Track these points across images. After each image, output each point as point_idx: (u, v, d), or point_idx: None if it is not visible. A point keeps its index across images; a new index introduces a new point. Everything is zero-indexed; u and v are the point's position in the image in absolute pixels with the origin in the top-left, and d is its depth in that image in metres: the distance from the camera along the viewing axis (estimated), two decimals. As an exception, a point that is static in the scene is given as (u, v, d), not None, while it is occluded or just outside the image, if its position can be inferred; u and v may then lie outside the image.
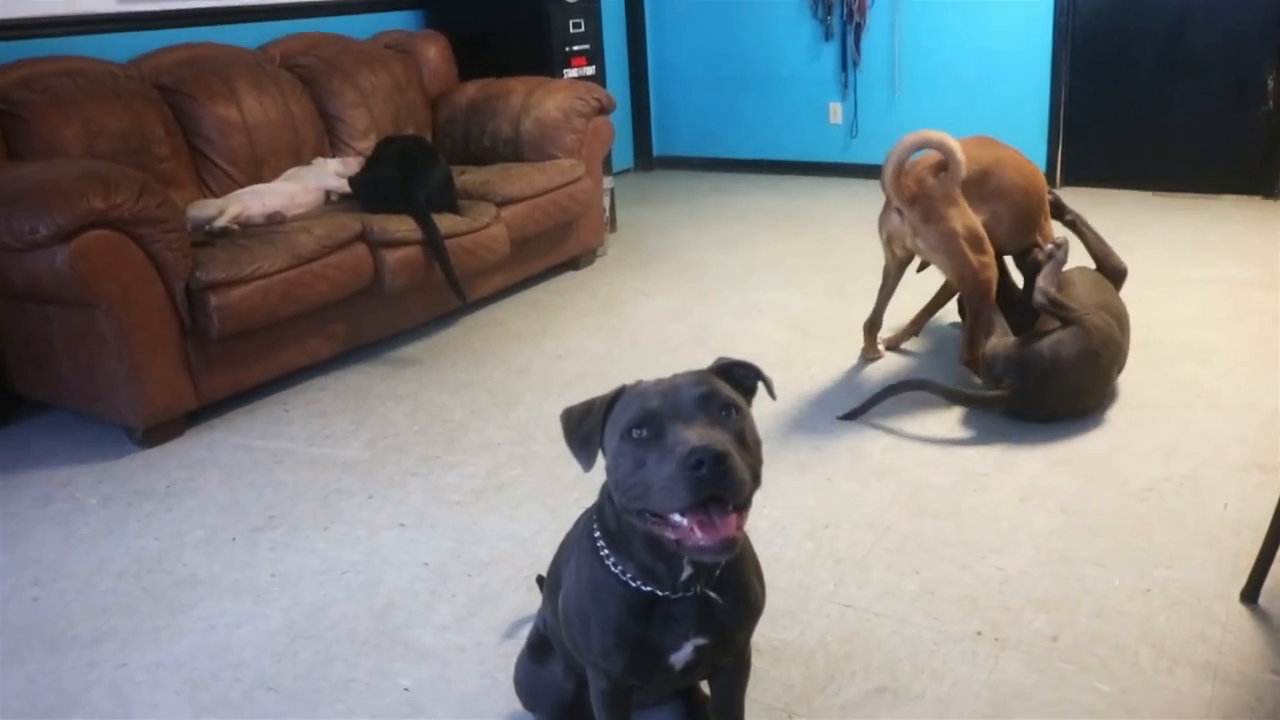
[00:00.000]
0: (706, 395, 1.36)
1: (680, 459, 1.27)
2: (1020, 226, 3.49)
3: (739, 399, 1.41)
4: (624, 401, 1.42)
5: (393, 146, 4.22)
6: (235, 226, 3.74)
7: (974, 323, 3.37)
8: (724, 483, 1.27)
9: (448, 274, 3.98)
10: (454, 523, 2.77)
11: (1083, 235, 3.64)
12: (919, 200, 3.26)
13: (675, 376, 1.43)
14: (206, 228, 3.71)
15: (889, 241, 3.50)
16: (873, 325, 3.72)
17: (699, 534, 1.31)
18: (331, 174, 4.30)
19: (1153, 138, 5.91)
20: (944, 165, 3.22)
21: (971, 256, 3.28)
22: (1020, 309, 3.35)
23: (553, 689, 1.83)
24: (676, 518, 1.32)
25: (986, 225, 3.35)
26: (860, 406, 3.21)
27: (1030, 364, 3.04)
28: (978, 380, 3.36)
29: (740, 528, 1.34)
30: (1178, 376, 3.41)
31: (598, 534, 1.53)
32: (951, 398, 3.19)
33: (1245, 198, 5.70)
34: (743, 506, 1.33)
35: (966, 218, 3.28)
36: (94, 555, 2.71)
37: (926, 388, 3.21)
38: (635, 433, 1.34)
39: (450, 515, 2.81)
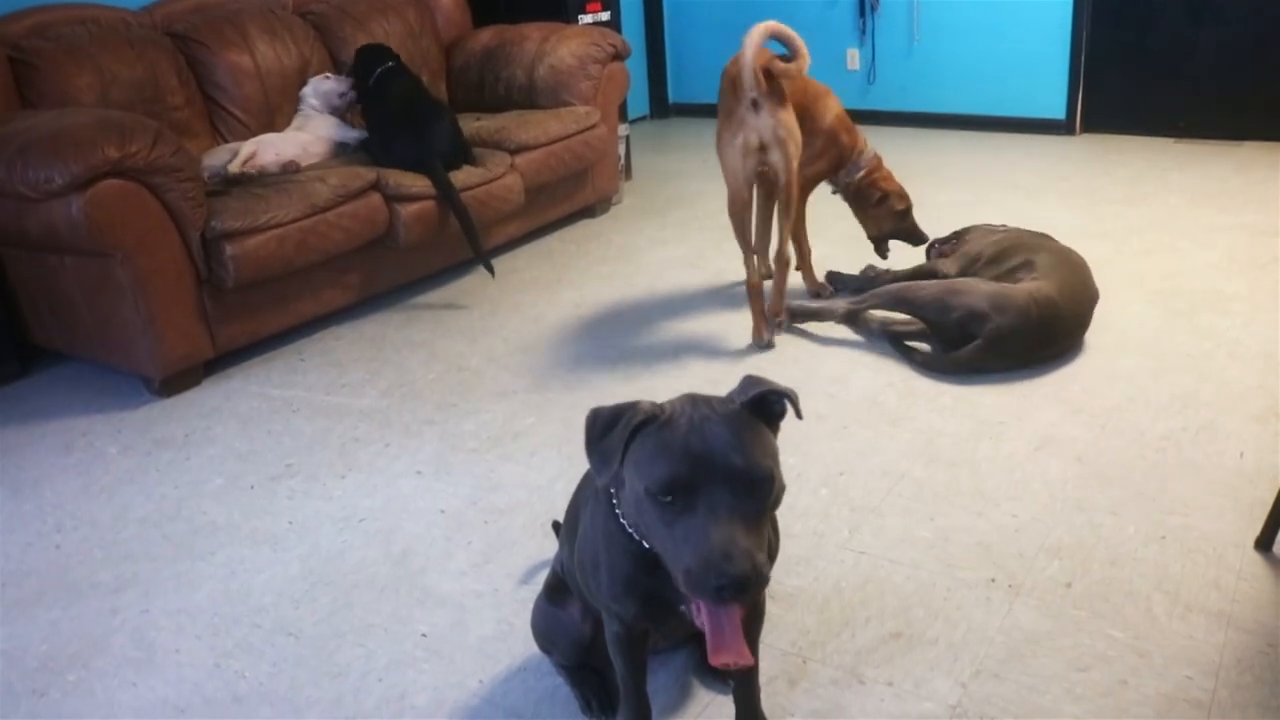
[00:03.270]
0: (743, 473, 1.30)
1: (704, 563, 1.25)
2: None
3: (774, 467, 1.35)
4: (652, 444, 1.34)
5: (391, 89, 4.15)
6: (252, 171, 3.74)
7: (797, 222, 3.65)
8: (743, 599, 1.27)
9: (473, 243, 3.98)
10: (470, 470, 2.78)
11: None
12: (774, 90, 3.23)
13: (708, 418, 1.35)
14: (222, 173, 3.71)
15: (756, 150, 3.25)
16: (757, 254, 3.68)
17: (707, 635, 1.33)
18: (341, 124, 4.27)
19: (1175, 83, 5.81)
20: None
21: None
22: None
23: (570, 629, 1.85)
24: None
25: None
26: (815, 310, 3.31)
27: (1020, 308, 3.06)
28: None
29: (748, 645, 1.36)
30: (1197, 325, 3.39)
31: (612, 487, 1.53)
32: (932, 366, 3.19)
33: (1269, 144, 5.61)
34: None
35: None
36: (115, 503, 2.74)
37: (911, 358, 3.22)
38: (661, 497, 1.30)
39: (466, 463, 2.82)
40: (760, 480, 1.31)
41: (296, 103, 4.36)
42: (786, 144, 3.25)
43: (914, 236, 3.78)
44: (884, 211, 3.73)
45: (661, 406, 1.38)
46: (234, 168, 3.73)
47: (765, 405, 1.41)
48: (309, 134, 4.14)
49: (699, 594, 1.28)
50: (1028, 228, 3.62)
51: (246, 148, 3.85)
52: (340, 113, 4.35)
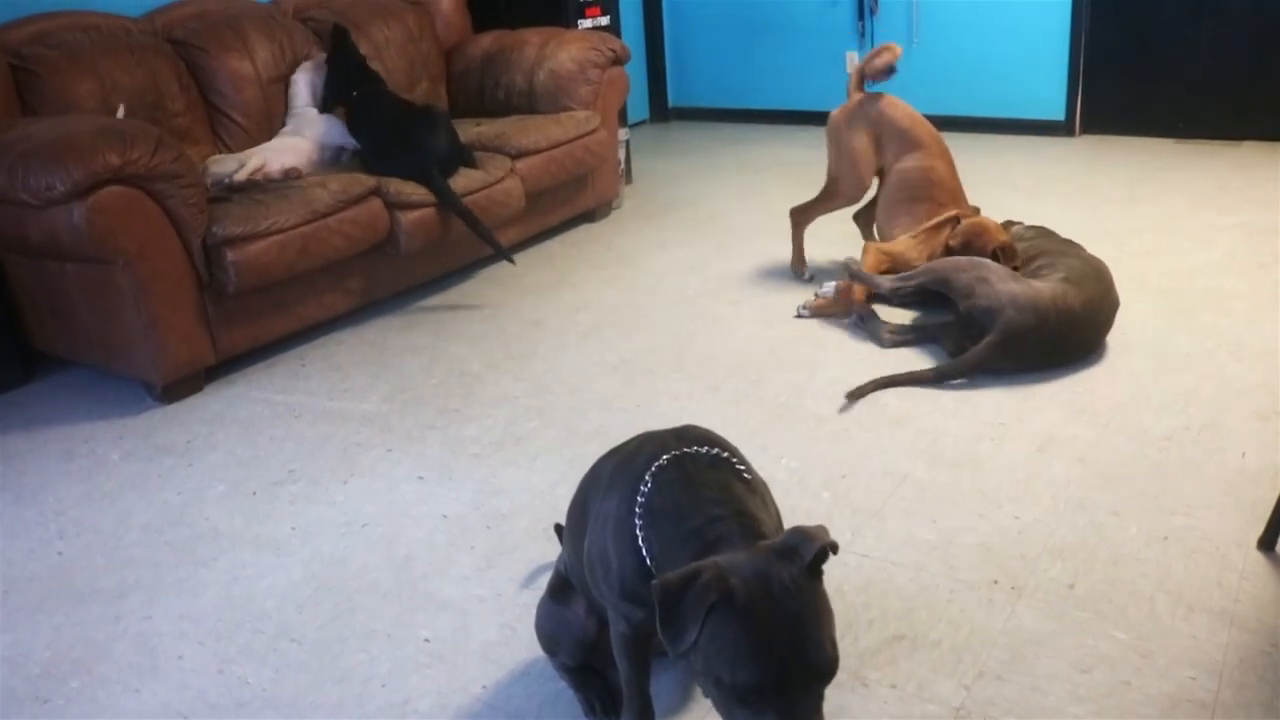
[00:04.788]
0: (827, 672, 1.31)
1: None
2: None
3: (837, 654, 1.34)
4: (735, 635, 1.29)
5: (374, 113, 4.11)
6: (259, 179, 3.74)
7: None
8: None
9: (488, 240, 3.99)
10: (472, 475, 2.78)
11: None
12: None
13: (783, 600, 1.31)
14: (228, 181, 3.71)
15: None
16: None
17: None
18: (344, 130, 4.25)
19: (1175, 83, 5.81)
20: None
21: None
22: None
23: (574, 628, 1.85)
24: None
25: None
26: (865, 387, 3.13)
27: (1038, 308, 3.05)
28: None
29: None
30: (1199, 324, 3.38)
31: (641, 501, 1.53)
32: (945, 374, 3.15)
33: (1269, 144, 5.61)
34: None
35: None
36: (117, 509, 2.74)
37: (920, 380, 3.16)
38: (746, 697, 1.28)
39: (468, 467, 2.82)
40: (834, 671, 1.32)
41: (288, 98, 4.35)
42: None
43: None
44: None
45: (728, 576, 1.32)
46: (241, 176, 3.73)
47: (818, 559, 1.38)
48: (308, 140, 4.13)
49: None
50: (1055, 233, 3.62)
51: (254, 159, 3.85)
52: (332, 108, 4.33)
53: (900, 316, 3.61)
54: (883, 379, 3.12)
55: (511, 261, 4.16)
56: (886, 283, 3.45)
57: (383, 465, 2.87)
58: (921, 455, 2.71)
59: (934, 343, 3.34)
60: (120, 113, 3.72)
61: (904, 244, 3.76)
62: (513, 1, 5.41)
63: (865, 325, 3.50)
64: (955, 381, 3.10)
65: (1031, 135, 6.18)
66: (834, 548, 1.37)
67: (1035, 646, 1.98)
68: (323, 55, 4.40)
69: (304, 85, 4.32)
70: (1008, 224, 3.80)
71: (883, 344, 3.41)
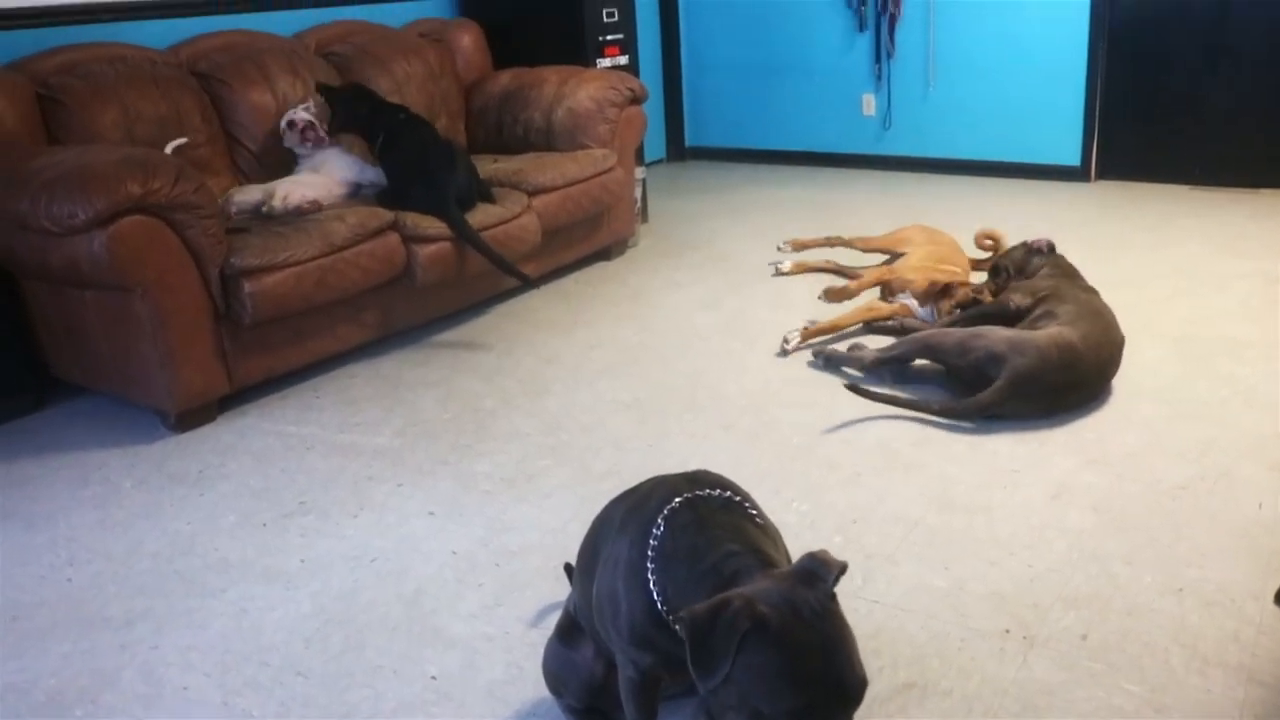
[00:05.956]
0: (859, 694, 1.32)
1: None
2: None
3: (867, 676, 1.37)
4: (771, 664, 1.30)
5: (406, 140, 4.10)
6: (291, 208, 3.79)
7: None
8: None
9: (501, 266, 4.00)
10: (483, 511, 2.77)
11: None
12: None
13: (813, 624, 1.33)
14: (264, 209, 3.78)
15: None
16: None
17: None
18: (361, 166, 4.26)
19: (1191, 130, 5.81)
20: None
21: None
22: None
23: (581, 670, 1.84)
24: None
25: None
26: (867, 391, 3.18)
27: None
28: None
29: None
30: (1214, 372, 3.37)
31: (654, 545, 1.53)
32: (952, 413, 3.16)
33: (1285, 193, 5.61)
34: None
35: None
36: (128, 538, 2.74)
37: (926, 410, 3.18)
38: None
39: (480, 504, 2.81)
40: (865, 692, 1.33)
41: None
42: None
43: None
44: None
45: (758, 603, 1.32)
46: (276, 203, 3.76)
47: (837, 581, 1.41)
48: (328, 175, 4.16)
49: None
50: (1075, 273, 3.61)
51: (282, 187, 3.88)
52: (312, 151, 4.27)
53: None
54: (888, 395, 3.16)
55: (531, 283, 4.18)
56: (868, 356, 3.46)
57: (394, 499, 2.86)
58: (933, 501, 2.70)
59: (937, 384, 3.36)
60: (170, 149, 3.78)
61: (906, 265, 4.01)
62: (532, 40, 5.45)
63: (836, 359, 3.55)
64: (964, 426, 3.08)
65: (1047, 180, 6.19)
66: (845, 568, 1.41)
67: (1047, 697, 1.96)
68: (311, 100, 4.34)
69: (286, 128, 4.27)
70: (1026, 245, 3.79)
71: (866, 367, 3.46)
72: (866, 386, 3.14)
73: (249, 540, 2.69)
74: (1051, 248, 3.73)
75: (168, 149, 3.80)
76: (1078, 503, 2.64)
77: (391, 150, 4.13)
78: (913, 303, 3.81)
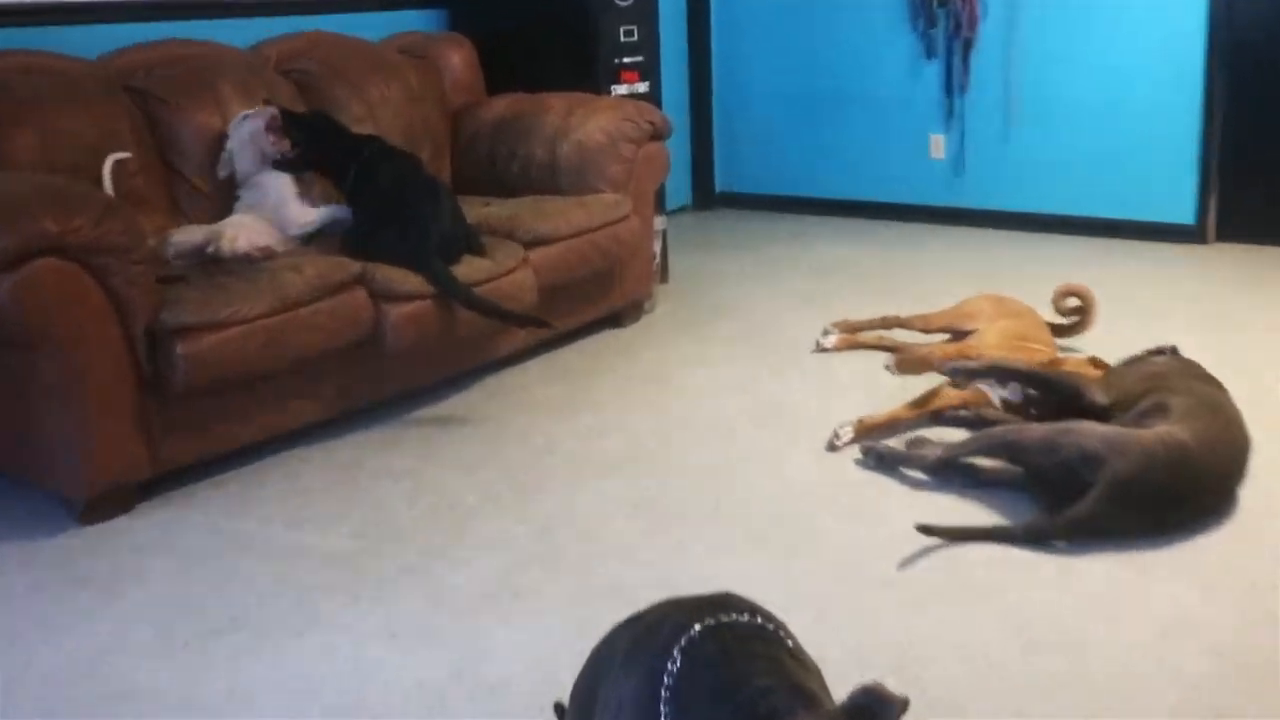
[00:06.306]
0: None
1: None
2: None
3: None
4: None
5: (379, 173, 4.14)
6: (242, 253, 3.82)
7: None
8: None
9: (509, 319, 4.06)
10: (457, 634, 2.74)
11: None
12: None
13: None
14: (209, 250, 3.82)
15: None
16: None
17: None
18: (318, 210, 4.27)
19: (1327, 188, 5.85)
20: None
21: None
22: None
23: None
24: None
25: None
26: (942, 529, 3.12)
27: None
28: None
29: None
30: (1360, 486, 3.33)
31: (669, 683, 1.50)
32: (1040, 534, 3.12)
33: None
34: None
35: None
36: (14, 655, 2.70)
37: (1009, 539, 3.13)
38: None
39: (453, 625, 2.78)
40: None
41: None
42: None
43: None
44: None
45: None
46: (224, 245, 3.81)
47: None
48: (275, 213, 4.16)
49: None
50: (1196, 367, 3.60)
51: (230, 228, 3.91)
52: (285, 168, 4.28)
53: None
54: (961, 529, 3.11)
55: (548, 326, 4.27)
56: (932, 454, 3.46)
57: (347, 616, 2.83)
58: (1013, 636, 2.65)
59: (1017, 489, 3.32)
60: (108, 166, 3.84)
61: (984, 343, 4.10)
62: (535, 60, 5.51)
63: (892, 458, 3.53)
64: (1054, 545, 3.05)
65: (1155, 241, 6.20)
66: (907, 704, 1.37)
67: None
68: (271, 109, 4.31)
69: (237, 146, 4.26)
70: (1152, 352, 3.74)
71: (929, 468, 3.43)
72: (941, 526, 3.08)
73: (165, 663, 2.66)
74: (1175, 351, 3.69)
75: (106, 163, 3.84)
76: (1194, 644, 2.60)
77: (363, 189, 4.15)
78: (992, 388, 3.78)
